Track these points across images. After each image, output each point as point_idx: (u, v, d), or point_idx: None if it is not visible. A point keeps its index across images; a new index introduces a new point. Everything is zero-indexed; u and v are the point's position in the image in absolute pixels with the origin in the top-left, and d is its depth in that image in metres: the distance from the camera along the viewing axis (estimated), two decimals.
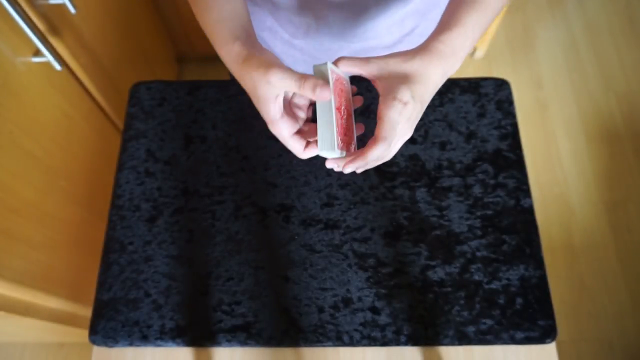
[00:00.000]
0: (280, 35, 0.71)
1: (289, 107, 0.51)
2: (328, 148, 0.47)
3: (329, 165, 0.49)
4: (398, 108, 0.45)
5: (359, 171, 0.50)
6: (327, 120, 0.47)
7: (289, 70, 0.47)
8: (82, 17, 0.97)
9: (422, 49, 0.47)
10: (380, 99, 0.46)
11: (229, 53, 0.50)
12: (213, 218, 0.70)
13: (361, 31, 0.66)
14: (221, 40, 0.51)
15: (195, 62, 1.75)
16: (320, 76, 0.47)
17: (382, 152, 0.46)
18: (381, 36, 0.68)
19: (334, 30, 0.66)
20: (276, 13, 0.67)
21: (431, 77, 0.46)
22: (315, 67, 0.48)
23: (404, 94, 0.45)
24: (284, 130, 0.49)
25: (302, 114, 0.52)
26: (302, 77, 0.46)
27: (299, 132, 0.51)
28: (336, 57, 0.71)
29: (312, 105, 0.52)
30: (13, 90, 0.78)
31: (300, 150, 0.51)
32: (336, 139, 0.46)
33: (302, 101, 0.51)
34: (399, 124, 0.45)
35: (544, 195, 1.58)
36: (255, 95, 0.48)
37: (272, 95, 0.47)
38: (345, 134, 0.49)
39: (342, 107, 0.49)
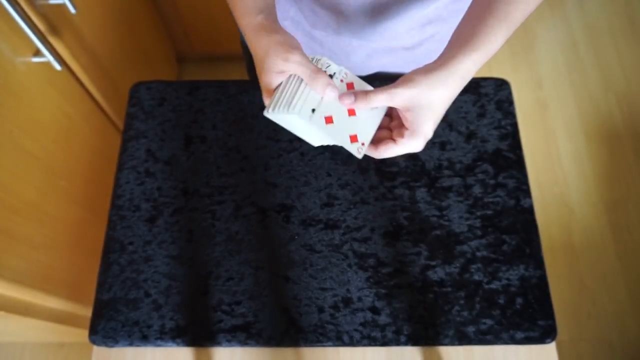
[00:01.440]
0: (302, 26, 0.71)
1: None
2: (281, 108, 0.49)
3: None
4: (421, 142, 0.49)
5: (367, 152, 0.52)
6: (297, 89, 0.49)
7: (307, 58, 0.49)
8: (82, 17, 0.97)
9: (449, 72, 0.47)
10: (409, 129, 0.49)
11: (251, 23, 0.51)
12: (213, 218, 0.70)
13: (381, 30, 0.66)
14: (244, 10, 0.52)
15: (195, 62, 1.75)
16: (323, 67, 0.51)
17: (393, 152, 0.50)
18: (401, 37, 0.68)
19: (353, 26, 0.66)
20: (300, 2, 0.68)
21: (448, 95, 0.48)
22: (313, 57, 0.51)
23: (430, 129, 0.49)
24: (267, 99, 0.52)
25: None
26: (317, 71, 0.48)
27: None
28: (355, 54, 0.72)
29: None
30: (13, 90, 0.78)
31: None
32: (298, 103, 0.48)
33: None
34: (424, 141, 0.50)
35: (544, 195, 1.58)
36: (263, 64, 0.50)
37: (278, 70, 0.49)
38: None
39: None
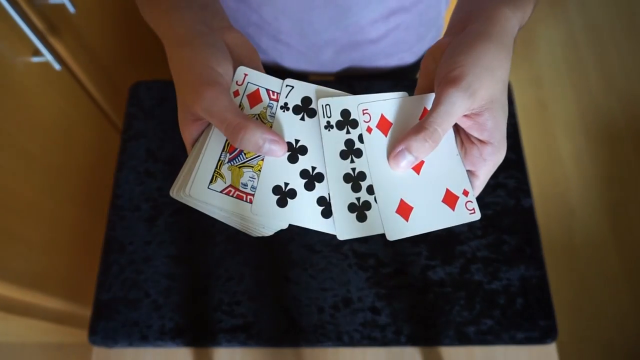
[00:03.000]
0: (266, 31, 0.70)
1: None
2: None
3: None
4: (504, 147, 0.38)
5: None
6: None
7: (229, 98, 0.33)
8: (81, 17, 0.96)
9: (490, 24, 0.36)
10: (489, 148, 0.37)
11: (172, 27, 0.37)
12: (213, 218, 0.70)
13: (345, 26, 0.66)
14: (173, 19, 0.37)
15: None
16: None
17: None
18: (366, 31, 0.68)
19: (318, 27, 0.66)
20: (261, 10, 0.67)
21: (507, 57, 0.36)
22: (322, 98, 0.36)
23: (504, 125, 0.36)
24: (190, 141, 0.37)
25: None
26: (239, 124, 0.32)
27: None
28: (323, 52, 0.71)
29: None
30: (12, 90, 0.78)
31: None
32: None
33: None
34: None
35: (544, 195, 1.58)
36: (178, 98, 0.36)
37: (192, 117, 0.35)
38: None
39: None
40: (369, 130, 0.34)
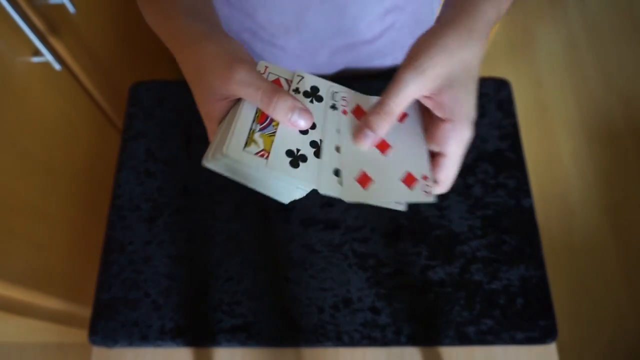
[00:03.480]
0: (260, 36, 0.70)
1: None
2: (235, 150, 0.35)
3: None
4: (468, 126, 0.38)
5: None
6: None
7: (257, 73, 0.36)
8: (81, 17, 0.96)
9: (469, 18, 0.38)
10: (446, 126, 0.38)
11: (176, 30, 0.39)
12: (213, 218, 0.70)
13: (341, 29, 0.66)
14: (167, 12, 0.40)
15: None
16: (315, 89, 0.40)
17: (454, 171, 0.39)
18: (362, 33, 0.68)
19: (313, 28, 0.66)
20: (255, 15, 0.66)
21: (479, 52, 0.38)
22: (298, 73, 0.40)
23: (468, 132, 0.38)
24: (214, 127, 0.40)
25: None
26: (273, 91, 0.35)
27: None
28: (319, 54, 0.71)
29: None
30: (12, 90, 0.78)
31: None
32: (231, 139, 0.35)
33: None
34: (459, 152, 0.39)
35: (544, 195, 1.58)
36: (195, 86, 0.38)
37: (220, 97, 0.38)
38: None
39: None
40: (345, 112, 0.40)
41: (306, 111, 0.36)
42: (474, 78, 0.38)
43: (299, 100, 0.36)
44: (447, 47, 0.36)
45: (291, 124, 0.36)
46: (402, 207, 0.38)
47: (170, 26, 0.40)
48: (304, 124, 0.36)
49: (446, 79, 0.36)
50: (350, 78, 0.78)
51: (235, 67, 0.35)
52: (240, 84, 0.35)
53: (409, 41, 0.76)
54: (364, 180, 0.37)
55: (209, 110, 0.38)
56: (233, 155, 0.35)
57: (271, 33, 0.68)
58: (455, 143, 0.38)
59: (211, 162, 0.37)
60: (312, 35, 0.67)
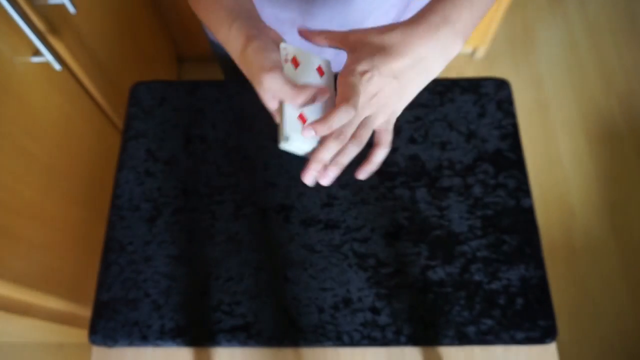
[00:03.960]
0: (275, 14, 0.71)
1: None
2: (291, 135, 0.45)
3: (306, 134, 0.44)
4: (354, 79, 0.42)
5: (333, 170, 0.46)
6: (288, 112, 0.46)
7: (283, 77, 0.44)
8: (82, 17, 0.97)
9: (409, 20, 0.43)
10: (340, 70, 0.44)
11: (227, 37, 0.47)
12: (213, 218, 0.70)
13: (348, 23, 0.66)
14: (217, 20, 0.47)
15: (195, 62, 1.75)
16: (302, 59, 0.47)
17: (346, 115, 0.42)
18: (384, 10, 0.68)
19: (319, 22, 0.66)
20: (261, 10, 0.67)
21: (413, 50, 0.42)
22: (285, 46, 0.47)
23: (365, 63, 0.42)
24: (280, 78, 0.46)
25: None
26: (296, 92, 0.43)
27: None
28: (325, 51, 0.71)
29: None
30: (12, 90, 0.78)
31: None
32: (288, 124, 0.45)
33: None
34: (359, 87, 0.42)
35: (544, 195, 1.58)
36: (250, 49, 0.45)
37: (267, 95, 0.46)
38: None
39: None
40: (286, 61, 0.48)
41: (324, 92, 0.44)
42: (427, 74, 0.44)
43: (319, 90, 0.44)
44: (400, 48, 0.42)
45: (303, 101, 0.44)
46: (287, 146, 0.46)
47: (221, 34, 0.48)
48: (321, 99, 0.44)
49: (385, 74, 0.43)
50: None
51: (266, 77, 0.43)
52: (272, 91, 0.44)
53: None
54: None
55: (266, 103, 0.46)
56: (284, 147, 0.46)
57: (277, 29, 0.69)
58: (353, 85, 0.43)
59: (284, 145, 0.46)
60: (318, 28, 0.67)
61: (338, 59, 0.73)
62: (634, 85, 1.75)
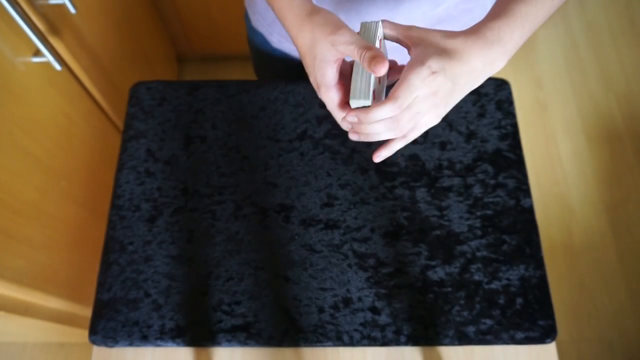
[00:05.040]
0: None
1: (343, 75, 0.49)
2: (363, 96, 0.45)
3: (349, 118, 0.46)
4: (422, 74, 0.43)
5: (363, 138, 0.47)
6: (365, 72, 0.45)
7: (355, 35, 0.45)
8: (82, 17, 0.97)
9: (468, 31, 0.45)
10: (408, 63, 0.44)
11: (290, 6, 0.48)
12: (213, 218, 0.70)
13: (408, 8, 0.65)
14: (289, 10, 0.48)
15: (195, 62, 1.75)
16: (365, 35, 0.47)
17: (388, 113, 0.44)
18: (427, 20, 0.67)
19: (363, 18, 0.66)
20: None
21: (471, 60, 0.44)
22: (363, 24, 0.47)
23: (435, 62, 0.43)
24: (336, 98, 0.47)
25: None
26: (366, 47, 0.44)
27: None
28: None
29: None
30: (13, 90, 0.78)
31: (346, 125, 0.49)
32: (371, 86, 0.45)
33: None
34: (419, 90, 0.43)
35: (544, 195, 1.58)
36: (312, 55, 0.46)
37: (332, 58, 0.45)
38: (375, 95, 0.47)
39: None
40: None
41: (382, 61, 0.43)
42: (473, 83, 0.46)
43: (381, 54, 0.43)
44: (463, 55, 0.43)
45: (372, 70, 0.43)
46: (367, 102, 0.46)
47: (288, 13, 0.48)
48: (380, 70, 0.43)
49: (448, 76, 0.44)
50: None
51: (339, 32, 0.44)
52: (345, 44, 0.44)
53: None
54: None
55: (323, 72, 0.46)
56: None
57: None
58: (410, 81, 0.44)
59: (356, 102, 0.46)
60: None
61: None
62: (633, 85, 1.75)
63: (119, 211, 0.71)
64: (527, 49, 1.82)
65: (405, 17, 0.64)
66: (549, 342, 0.64)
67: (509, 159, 0.73)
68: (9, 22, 0.75)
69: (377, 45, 0.46)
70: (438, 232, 0.69)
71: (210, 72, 1.72)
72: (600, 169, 1.63)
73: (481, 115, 0.76)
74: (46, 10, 0.84)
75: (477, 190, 0.71)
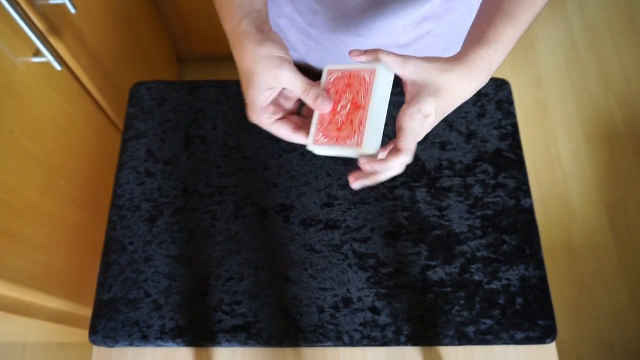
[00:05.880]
0: (297, 24, 0.71)
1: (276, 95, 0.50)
2: (372, 150, 0.45)
3: (368, 168, 0.46)
4: (418, 119, 0.44)
5: (368, 183, 0.48)
6: (377, 124, 0.46)
7: (298, 72, 0.46)
8: (82, 17, 0.97)
9: (461, 62, 0.46)
10: (404, 107, 0.45)
11: (235, 30, 0.48)
12: (213, 218, 0.70)
13: (377, 27, 0.66)
14: (228, 14, 0.49)
15: (195, 62, 1.75)
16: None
17: (405, 162, 0.44)
18: (397, 34, 0.68)
19: (350, 22, 0.66)
20: (296, 1, 0.67)
21: (462, 92, 0.46)
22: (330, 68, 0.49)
23: (429, 106, 0.44)
24: (263, 121, 0.49)
25: (289, 105, 0.51)
26: (309, 85, 0.46)
27: (283, 119, 0.50)
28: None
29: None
30: (13, 90, 0.78)
31: (286, 134, 0.50)
32: (313, 134, 0.47)
33: (292, 93, 0.51)
34: (420, 135, 0.45)
35: (544, 195, 1.58)
36: (250, 80, 0.47)
37: (268, 87, 0.47)
38: (338, 129, 0.47)
39: (343, 103, 0.48)
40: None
41: (325, 99, 0.47)
42: (458, 103, 0.47)
43: (323, 91, 0.47)
44: (455, 90, 0.45)
45: (317, 108, 0.47)
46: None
47: (229, 26, 0.50)
48: (325, 108, 0.47)
49: (439, 113, 0.46)
50: None
51: (283, 67, 0.46)
52: (287, 79, 0.46)
53: (442, 51, 0.77)
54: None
55: (256, 97, 0.48)
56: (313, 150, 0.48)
57: (309, 21, 0.69)
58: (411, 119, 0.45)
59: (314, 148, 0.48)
60: (348, 29, 0.67)
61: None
62: (633, 85, 1.75)
63: (119, 211, 0.71)
64: (527, 49, 1.82)
65: (391, 17, 0.64)
66: (549, 342, 0.64)
67: (509, 159, 0.73)
68: (9, 22, 0.75)
69: (329, 80, 0.48)
70: (438, 232, 0.69)
71: (210, 72, 1.72)
72: (600, 169, 1.63)
73: (481, 115, 0.76)
74: (46, 10, 0.84)
75: (477, 190, 0.71)
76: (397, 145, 0.44)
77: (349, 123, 0.47)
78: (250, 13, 0.49)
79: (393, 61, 0.45)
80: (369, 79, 0.48)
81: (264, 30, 0.48)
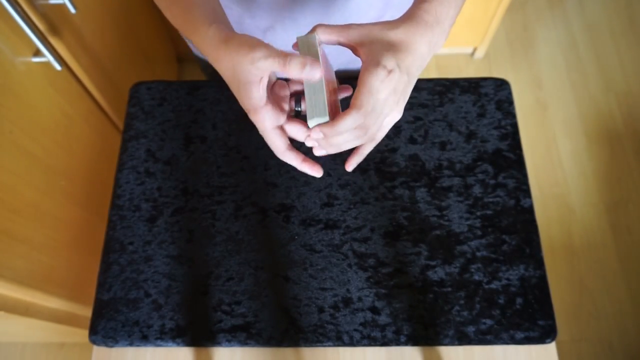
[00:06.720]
0: (249, 29, 0.69)
1: (272, 97, 0.47)
2: (319, 114, 0.43)
3: (314, 135, 0.44)
4: (381, 75, 0.41)
5: (331, 151, 0.46)
6: (317, 88, 0.43)
7: (272, 48, 0.42)
8: (82, 17, 0.97)
9: (406, 18, 0.44)
10: (363, 65, 0.42)
11: (204, 37, 0.45)
12: (213, 218, 0.70)
13: (342, 3, 0.64)
14: (194, 25, 0.46)
15: (195, 62, 1.75)
16: (305, 49, 0.44)
17: (354, 122, 0.42)
18: (363, 10, 0.66)
19: (302, 21, 0.65)
20: (241, 22, 0.66)
21: (417, 48, 0.43)
22: (299, 38, 0.44)
23: (389, 61, 0.42)
24: (267, 120, 0.47)
25: (286, 106, 0.49)
26: (287, 55, 0.41)
27: (281, 129, 0.48)
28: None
29: (294, 95, 0.50)
30: (13, 90, 0.78)
31: (281, 147, 0.49)
32: (326, 102, 0.43)
33: (283, 92, 0.49)
34: (380, 93, 0.42)
35: (544, 195, 1.58)
36: (236, 80, 0.44)
37: (255, 78, 0.43)
38: (331, 108, 0.45)
39: (329, 80, 0.47)
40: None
41: (314, 63, 0.41)
42: (422, 68, 0.45)
43: (307, 56, 0.42)
44: (410, 45, 0.43)
45: (307, 76, 0.42)
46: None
47: (198, 37, 0.46)
48: (316, 74, 0.42)
49: (403, 70, 0.43)
50: (345, 78, 0.78)
51: (256, 49, 0.41)
52: (262, 58, 0.41)
53: None
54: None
55: (251, 94, 0.44)
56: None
57: (272, 34, 0.68)
58: (367, 87, 0.43)
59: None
60: (311, 10, 0.65)
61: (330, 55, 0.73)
62: (633, 85, 1.75)
63: (119, 211, 0.71)
64: (527, 49, 1.82)
65: (341, 10, 0.63)
66: (549, 342, 0.64)
67: (509, 159, 0.73)
68: (9, 22, 0.75)
69: (320, 55, 0.44)
70: (438, 232, 0.69)
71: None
72: (600, 169, 1.63)
73: (481, 115, 0.76)
74: (46, 10, 0.84)
75: (477, 190, 0.71)
76: (350, 103, 0.42)
77: (334, 104, 0.46)
78: (215, 19, 0.46)
79: (332, 31, 0.44)
80: (327, 58, 0.47)
81: (231, 32, 0.46)
